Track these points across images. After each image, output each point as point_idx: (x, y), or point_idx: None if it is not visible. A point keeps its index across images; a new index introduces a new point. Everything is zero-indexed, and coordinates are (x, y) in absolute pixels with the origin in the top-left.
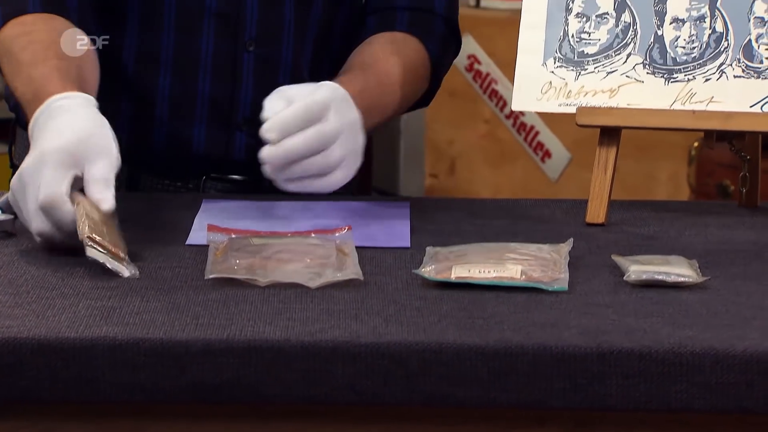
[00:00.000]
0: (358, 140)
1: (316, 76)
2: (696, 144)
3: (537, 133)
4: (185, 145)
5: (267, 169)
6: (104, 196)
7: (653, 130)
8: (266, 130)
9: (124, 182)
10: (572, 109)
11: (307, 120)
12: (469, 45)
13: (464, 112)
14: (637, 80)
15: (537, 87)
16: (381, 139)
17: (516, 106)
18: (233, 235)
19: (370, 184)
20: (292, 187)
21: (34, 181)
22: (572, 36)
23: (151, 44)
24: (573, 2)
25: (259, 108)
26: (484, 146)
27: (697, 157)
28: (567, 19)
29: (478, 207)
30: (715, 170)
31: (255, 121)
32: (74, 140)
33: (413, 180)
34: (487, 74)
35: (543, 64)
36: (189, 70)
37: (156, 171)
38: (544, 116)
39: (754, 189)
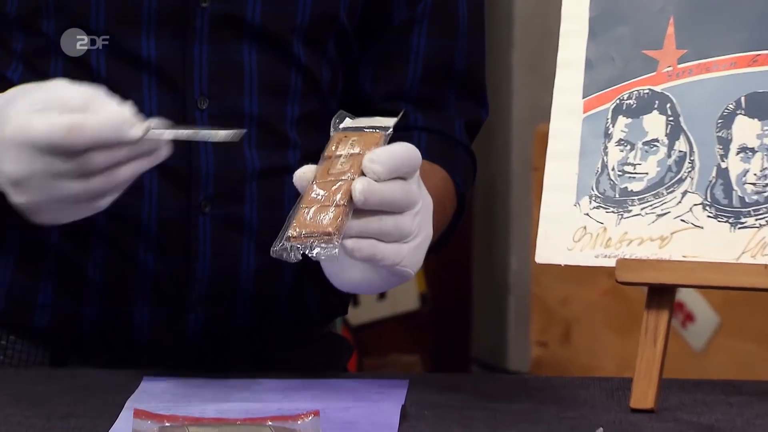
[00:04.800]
0: (429, 227)
1: None
2: None
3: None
4: (123, 328)
5: (359, 199)
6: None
7: (714, 288)
8: (373, 161)
9: (47, 365)
10: (612, 262)
11: (407, 168)
12: None
13: None
14: (695, 225)
15: (568, 233)
16: (485, 295)
17: (540, 257)
18: (166, 423)
19: (468, 355)
20: (361, 249)
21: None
22: (613, 169)
23: None
24: (613, 126)
25: (218, 282)
26: (608, 306)
27: None
28: (606, 148)
29: (496, 386)
30: None
31: (213, 299)
32: None
33: (523, 349)
34: None
35: (576, 205)
36: (127, 239)
37: (87, 354)
38: None
39: None
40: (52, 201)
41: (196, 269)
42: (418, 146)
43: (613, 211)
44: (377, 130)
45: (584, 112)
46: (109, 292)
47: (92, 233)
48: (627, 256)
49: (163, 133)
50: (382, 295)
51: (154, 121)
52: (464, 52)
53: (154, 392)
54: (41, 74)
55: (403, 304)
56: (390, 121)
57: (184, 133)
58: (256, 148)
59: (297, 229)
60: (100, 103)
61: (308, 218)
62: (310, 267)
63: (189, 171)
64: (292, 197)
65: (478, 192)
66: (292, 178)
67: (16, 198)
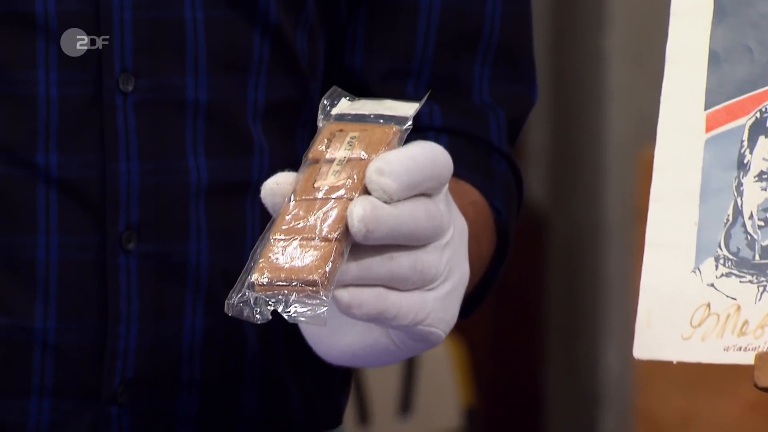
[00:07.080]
0: (465, 263)
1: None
2: None
3: None
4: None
5: (359, 231)
6: None
7: None
8: (383, 173)
9: None
10: (749, 358)
11: (433, 181)
12: None
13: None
14: None
15: (683, 315)
16: (564, 409)
17: (641, 351)
18: None
19: None
20: (363, 304)
21: None
22: (751, 217)
23: None
24: (752, 152)
25: (150, 358)
26: (753, 427)
27: None
28: (741, 185)
29: None
30: None
31: (143, 383)
32: None
33: None
34: None
35: (695, 271)
36: (15, 296)
37: None
38: None
39: None
40: None
41: (117, 337)
42: None
43: (751, 281)
44: (389, 122)
45: (707, 131)
46: None
47: None
48: None
49: None
50: (405, 408)
51: None
52: (498, 10)
53: None
54: None
55: (438, 422)
56: (409, 108)
57: None
58: (204, 152)
59: (265, 273)
60: None
61: (283, 257)
62: (287, 334)
63: (102, 188)
64: (259, 227)
65: (555, 249)
66: (255, 198)
67: None
